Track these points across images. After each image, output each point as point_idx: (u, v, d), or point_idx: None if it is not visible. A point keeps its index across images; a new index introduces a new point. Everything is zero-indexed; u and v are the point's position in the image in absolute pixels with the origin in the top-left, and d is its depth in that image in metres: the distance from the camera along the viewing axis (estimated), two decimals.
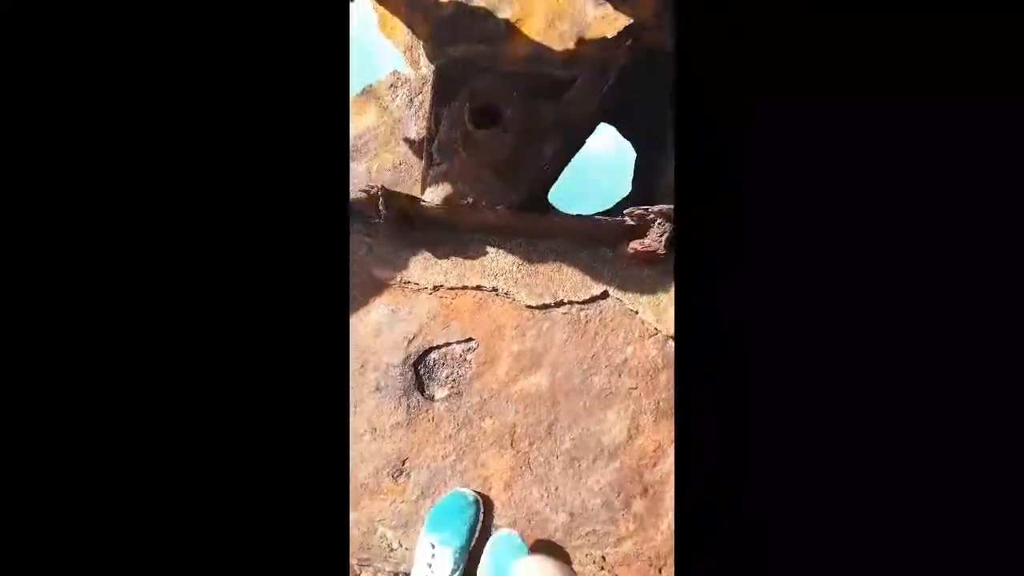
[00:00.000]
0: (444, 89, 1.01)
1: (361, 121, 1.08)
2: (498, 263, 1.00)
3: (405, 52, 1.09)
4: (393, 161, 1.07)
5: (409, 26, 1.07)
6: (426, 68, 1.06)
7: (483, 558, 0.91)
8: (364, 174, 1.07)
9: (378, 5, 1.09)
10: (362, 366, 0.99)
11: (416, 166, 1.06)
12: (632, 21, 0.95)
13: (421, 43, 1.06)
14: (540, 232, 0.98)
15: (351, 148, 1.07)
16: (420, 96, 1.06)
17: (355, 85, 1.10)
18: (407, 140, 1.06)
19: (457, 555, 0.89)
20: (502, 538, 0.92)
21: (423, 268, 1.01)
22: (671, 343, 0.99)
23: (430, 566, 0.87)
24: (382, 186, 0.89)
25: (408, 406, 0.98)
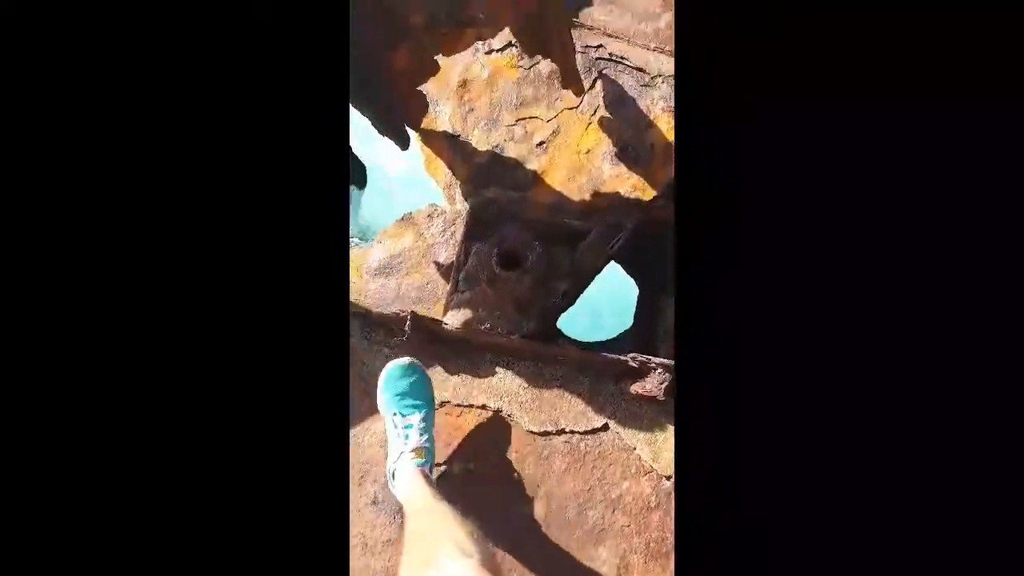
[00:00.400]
0: (475, 225, 1.15)
1: (399, 243, 1.21)
2: (505, 384, 1.07)
3: (444, 189, 1.25)
4: (421, 281, 1.18)
5: (450, 168, 1.25)
6: (460, 204, 1.22)
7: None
8: (394, 288, 1.18)
9: (425, 147, 1.28)
10: (362, 477, 1.01)
11: (441, 287, 1.17)
12: (645, 199, 1.12)
13: (459, 183, 1.23)
14: (547, 359, 1.06)
15: (387, 265, 1.19)
16: (452, 228, 1.21)
17: (397, 212, 1.25)
18: (436, 264, 1.18)
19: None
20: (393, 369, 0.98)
21: (433, 383, 1.08)
22: (665, 482, 1.01)
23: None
24: (412, 311, 0.98)
25: (401, 523, 0.98)
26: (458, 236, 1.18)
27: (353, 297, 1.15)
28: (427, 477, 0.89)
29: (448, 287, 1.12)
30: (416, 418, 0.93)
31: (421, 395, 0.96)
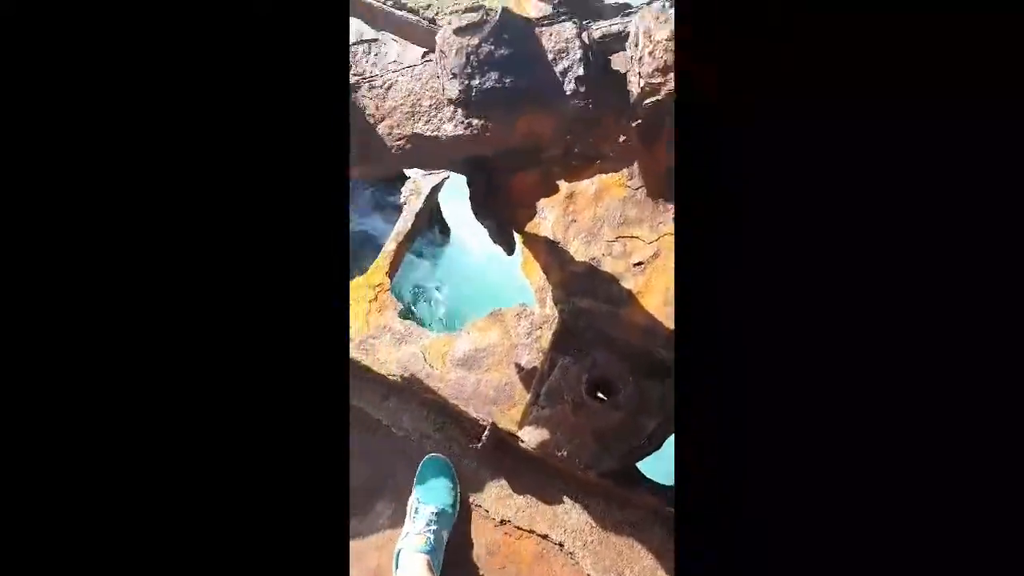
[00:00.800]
0: (563, 334, 1.14)
1: (485, 336, 1.23)
2: (571, 518, 1.01)
3: (536, 292, 1.27)
4: (500, 380, 1.18)
5: (545, 271, 1.28)
6: (550, 309, 1.23)
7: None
8: (473, 383, 1.18)
9: (525, 248, 1.33)
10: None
11: (518, 390, 1.16)
12: None
13: (551, 287, 1.25)
14: (621, 500, 0.99)
15: (470, 358, 1.20)
16: (539, 331, 1.21)
17: (486, 308, 1.28)
18: (518, 366, 1.18)
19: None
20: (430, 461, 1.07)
21: (496, 496, 1.04)
22: None
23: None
24: (493, 423, 0.97)
25: None
26: (544, 342, 1.17)
27: (433, 384, 1.16)
28: (431, 570, 0.94)
29: (527, 396, 1.11)
30: (430, 509, 1.01)
31: (445, 493, 1.05)
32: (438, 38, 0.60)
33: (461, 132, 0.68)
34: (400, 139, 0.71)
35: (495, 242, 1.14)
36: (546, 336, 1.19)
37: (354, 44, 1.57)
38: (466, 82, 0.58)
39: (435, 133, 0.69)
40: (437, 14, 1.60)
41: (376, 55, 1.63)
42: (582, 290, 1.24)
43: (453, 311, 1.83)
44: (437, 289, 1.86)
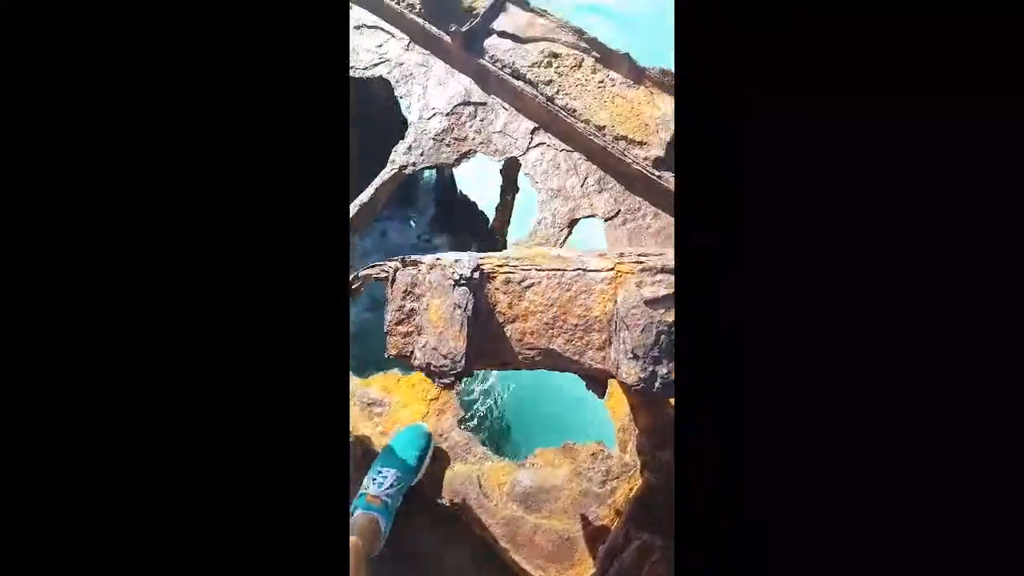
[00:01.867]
0: (645, 500, 1.01)
1: (552, 474, 1.11)
2: None
3: (618, 432, 1.14)
4: (563, 533, 1.06)
5: (633, 411, 1.14)
6: (631, 457, 1.09)
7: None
8: (530, 528, 1.06)
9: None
10: None
11: (580, 549, 1.04)
12: None
13: (637, 431, 1.11)
14: None
15: (531, 496, 1.09)
16: (615, 482, 1.08)
17: (560, 438, 1.16)
18: (584, 519, 1.05)
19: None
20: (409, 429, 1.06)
21: None
22: None
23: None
24: None
25: None
26: (619, 498, 1.04)
27: (484, 518, 1.06)
28: (376, 534, 0.94)
29: (590, 559, 0.98)
30: (391, 473, 1.00)
31: (413, 463, 1.03)
32: (619, 301, 0.47)
33: (609, 368, 0.55)
34: (532, 349, 0.59)
35: (588, 388, 1.01)
36: (623, 491, 1.05)
37: (460, 105, 1.46)
38: (650, 368, 0.45)
39: (577, 358, 0.57)
40: (557, 92, 1.46)
41: (482, 120, 1.52)
42: (669, 441, 1.10)
43: (517, 429, 1.72)
44: (504, 399, 1.75)
